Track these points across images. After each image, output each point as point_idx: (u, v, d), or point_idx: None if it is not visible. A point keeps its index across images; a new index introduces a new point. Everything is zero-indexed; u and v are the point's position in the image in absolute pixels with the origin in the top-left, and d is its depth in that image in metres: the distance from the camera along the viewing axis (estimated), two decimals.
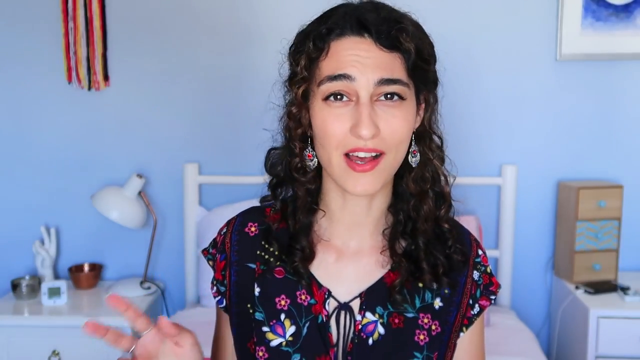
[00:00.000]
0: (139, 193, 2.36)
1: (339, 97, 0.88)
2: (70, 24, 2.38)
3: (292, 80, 0.92)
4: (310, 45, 0.89)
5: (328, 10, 0.93)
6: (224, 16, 2.40)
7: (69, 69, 2.41)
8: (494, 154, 2.44)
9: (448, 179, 0.99)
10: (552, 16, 2.37)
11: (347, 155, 0.88)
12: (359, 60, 0.87)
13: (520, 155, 2.44)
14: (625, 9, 2.33)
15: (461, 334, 1.00)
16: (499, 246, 2.42)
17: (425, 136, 0.96)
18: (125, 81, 2.44)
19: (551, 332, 2.48)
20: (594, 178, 2.42)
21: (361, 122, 0.86)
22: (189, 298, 2.44)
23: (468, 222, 2.30)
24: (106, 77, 2.43)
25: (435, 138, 0.97)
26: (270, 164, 1.01)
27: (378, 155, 0.88)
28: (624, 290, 2.19)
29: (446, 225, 0.98)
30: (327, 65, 0.89)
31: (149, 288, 2.38)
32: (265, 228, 1.01)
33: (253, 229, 1.02)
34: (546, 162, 2.45)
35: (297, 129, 0.93)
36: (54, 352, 2.14)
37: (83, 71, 2.41)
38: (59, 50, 2.40)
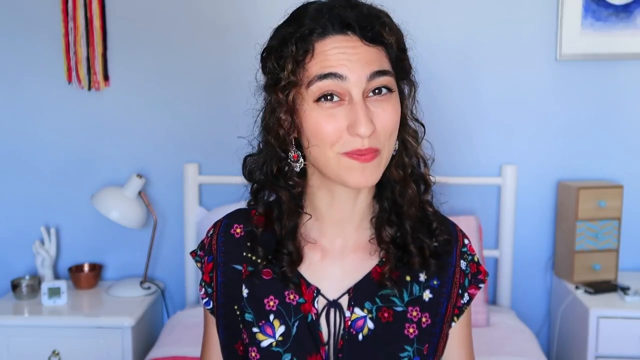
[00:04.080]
0: (139, 193, 2.36)
1: (329, 97, 0.87)
2: (70, 24, 2.38)
3: (278, 86, 0.90)
4: (293, 48, 0.88)
5: (296, 11, 0.92)
6: (224, 16, 2.40)
7: (69, 69, 2.41)
8: (493, 154, 2.44)
9: (427, 163, 1.00)
10: (552, 16, 2.37)
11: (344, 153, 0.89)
12: (347, 57, 0.87)
13: (520, 155, 2.44)
14: (625, 9, 2.33)
15: (453, 323, 1.01)
16: (499, 246, 2.42)
17: (404, 123, 0.97)
18: (125, 81, 2.44)
19: (551, 332, 2.48)
20: (594, 178, 2.42)
21: (359, 121, 0.86)
22: (189, 298, 2.44)
23: (468, 222, 2.30)
24: (106, 77, 2.43)
25: (412, 124, 0.98)
26: (249, 171, 1.01)
27: (376, 150, 0.89)
28: (624, 290, 2.19)
29: (430, 209, 1.00)
30: (315, 66, 0.88)
31: (149, 288, 2.38)
32: (251, 230, 1.01)
33: (239, 230, 1.02)
34: (546, 162, 2.45)
35: (288, 135, 0.92)
36: (54, 352, 2.14)
37: (83, 71, 2.41)
38: (59, 50, 2.40)
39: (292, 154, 0.94)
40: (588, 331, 2.11)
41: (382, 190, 0.99)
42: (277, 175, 0.95)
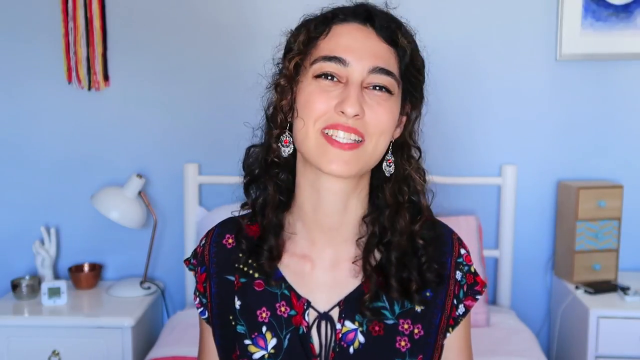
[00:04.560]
0: (139, 193, 2.36)
1: (329, 77, 0.90)
2: (70, 24, 2.38)
3: (287, 55, 0.94)
4: (312, 25, 0.92)
5: (337, 7, 0.96)
6: (225, 16, 2.40)
7: (69, 69, 2.41)
8: (493, 154, 2.44)
9: (426, 194, 0.98)
10: (552, 16, 2.37)
11: (325, 133, 0.89)
12: (357, 45, 0.90)
13: (520, 155, 2.44)
14: (625, 9, 2.33)
15: (447, 334, 0.99)
16: (499, 246, 2.42)
17: (403, 148, 0.96)
18: (125, 81, 2.44)
19: (551, 332, 2.48)
20: (594, 178, 2.42)
21: (347, 100, 0.87)
22: (189, 298, 2.44)
23: (468, 222, 2.30)
24: (106, 77, 2.43)
25: (414, 152, 0.97)
26: (247, 163, 1.01)
27: (359, 141, 0.89)
28: (624, 290, 2.19)
29: (421, 242, 0.96)
30: (325, 45, 0.91)
31: (149, 288, 2.38)
32: (240, 238, 1.00)
33: (230, 240, 1.02)
34: (546, 162, 2.45)
35: (282, 101, 0.93)
36: (54, 352, 2.14)
37: (83, 71, 2.40)
38: (59, 50, 2.40)
39: (283, 138, 0.94)
40: (588, 331, 2.11)
41: (375, 211, 0.97)
42: (270, 163, 0.96)
